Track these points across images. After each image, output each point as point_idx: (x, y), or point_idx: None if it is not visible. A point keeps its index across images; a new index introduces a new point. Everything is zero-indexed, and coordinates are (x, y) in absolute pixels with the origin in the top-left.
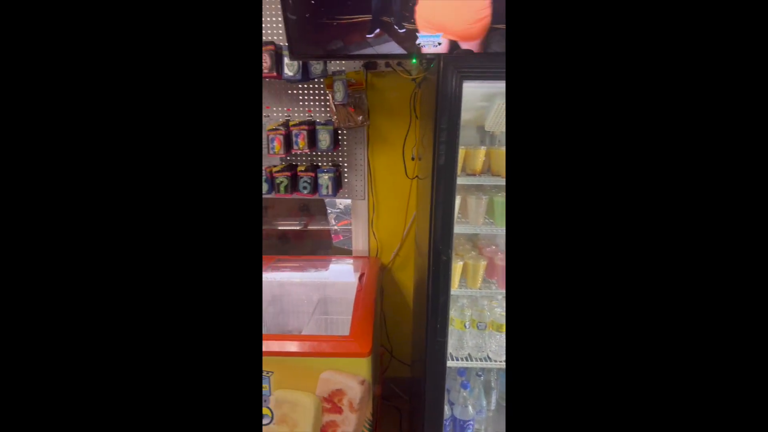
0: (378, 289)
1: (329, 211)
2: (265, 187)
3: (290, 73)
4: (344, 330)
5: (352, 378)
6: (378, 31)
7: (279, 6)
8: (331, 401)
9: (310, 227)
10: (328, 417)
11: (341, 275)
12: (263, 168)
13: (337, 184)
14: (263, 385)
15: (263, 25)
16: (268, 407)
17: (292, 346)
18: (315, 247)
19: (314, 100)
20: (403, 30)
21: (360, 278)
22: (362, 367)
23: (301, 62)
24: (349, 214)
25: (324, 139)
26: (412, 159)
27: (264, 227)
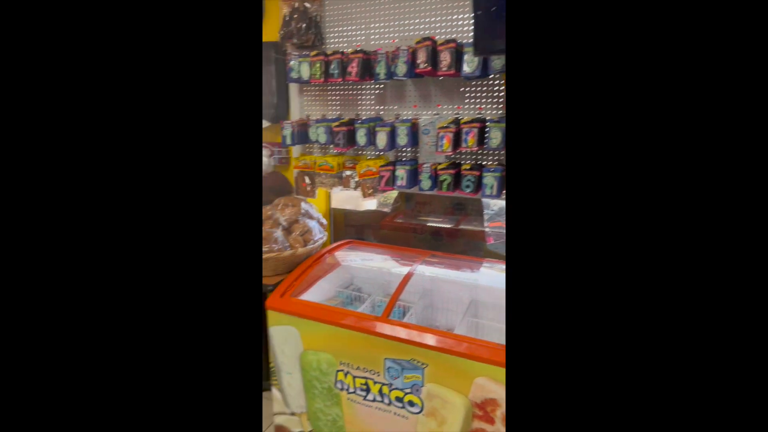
0: None
1: (484, 212)
2: (428, 183)
3: (468, 70)
4: (496, 337)
5: None
6: None
7: (461, 4)
8: (484, 409)
9: (462, 226)
10: (479, 424)
11: (495, 280)
12: (429, 165)
13: (502, 185)
14: (416, 375)
15: (446, 24)
16: (419, 397)
17: (448, 344)
18: (466, 247)
19: (485, 97)
20: None
21: None
22: None
23: (482, 58)
24: (504, 216)
25: (495, 137)
26: None
27: (415, 223)
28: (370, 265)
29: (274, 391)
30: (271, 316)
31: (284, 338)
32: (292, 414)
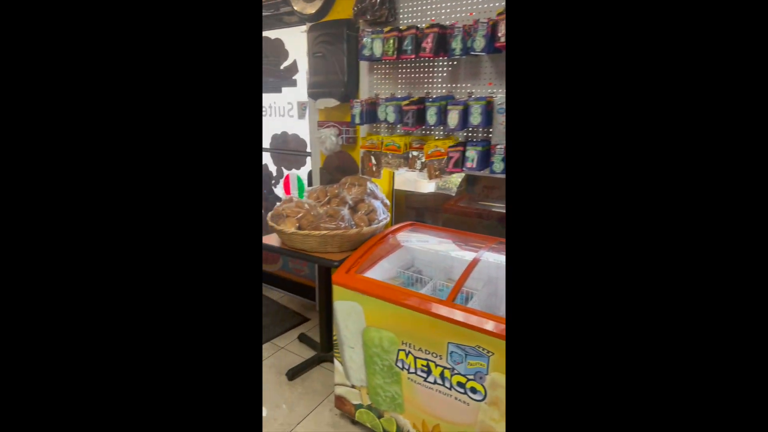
0: None
1: None
2: (500, 165)
3: None
4: None
5: None
6: None
7: None
8: None
9: None
10: None
11: None
12: (502, 146)
13: None
14: (481, 363)
15: None
16: (482, 385)
17: None
18: None
19: None
20: None
21: None
22: None
23: None
24: None
25: None
26: None
27: (480, 208)
28: (431, 248)
29: (336, 363)
30: (337, 291)
31: (348, 313)
32: (353, 387)
